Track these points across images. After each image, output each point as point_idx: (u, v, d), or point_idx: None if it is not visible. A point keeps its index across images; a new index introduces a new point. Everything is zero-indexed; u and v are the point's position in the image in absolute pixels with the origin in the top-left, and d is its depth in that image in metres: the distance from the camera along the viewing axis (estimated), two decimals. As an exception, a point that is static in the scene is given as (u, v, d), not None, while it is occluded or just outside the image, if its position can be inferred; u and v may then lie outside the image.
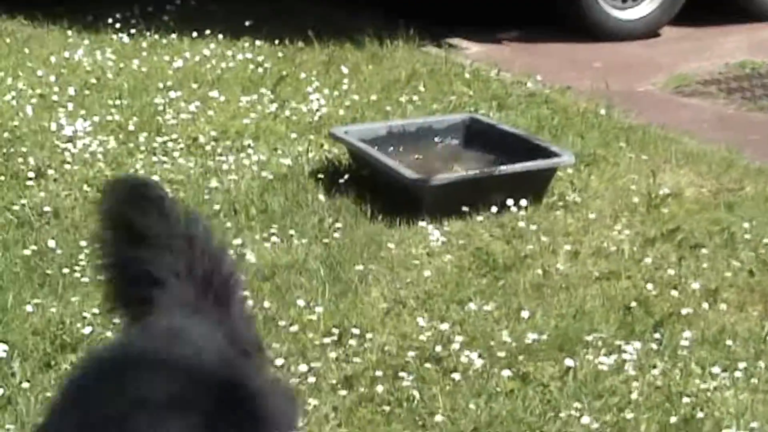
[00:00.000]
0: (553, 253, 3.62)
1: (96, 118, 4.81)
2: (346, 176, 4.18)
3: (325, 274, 3.40)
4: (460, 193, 3.93)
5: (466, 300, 3.24)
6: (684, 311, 3.24)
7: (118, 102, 5.12)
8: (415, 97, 5.30)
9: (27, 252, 3.46)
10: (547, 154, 4.15)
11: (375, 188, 4.05)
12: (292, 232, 3.75)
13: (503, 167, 4.04)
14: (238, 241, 3.57)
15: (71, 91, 5.26)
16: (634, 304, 3.25)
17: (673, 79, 6.05)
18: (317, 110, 5.12)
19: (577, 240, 3.76)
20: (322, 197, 4.05)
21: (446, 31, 6.56)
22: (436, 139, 4.51)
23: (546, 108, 5.17)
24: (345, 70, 5.74)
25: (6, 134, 4.57)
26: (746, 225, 3.85)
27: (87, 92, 5.32)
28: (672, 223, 3.89)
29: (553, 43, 6.60)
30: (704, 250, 3.67)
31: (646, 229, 3.88)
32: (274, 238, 3.71)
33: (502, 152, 4.25)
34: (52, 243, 3.50)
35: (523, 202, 3.90)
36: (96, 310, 3.01)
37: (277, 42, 6.26)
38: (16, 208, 3.81)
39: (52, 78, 5.49)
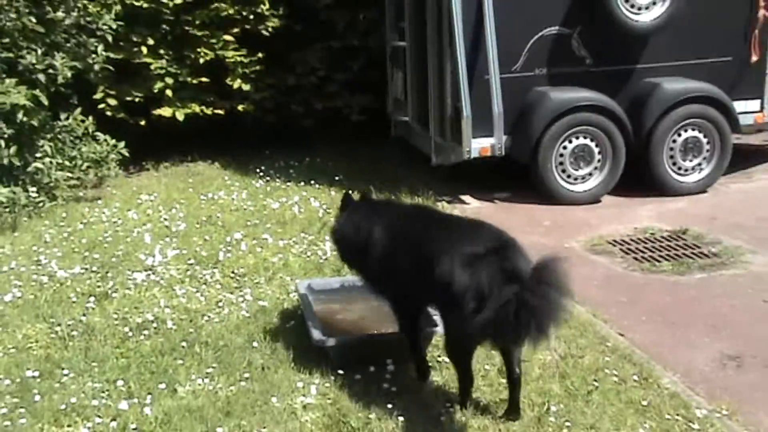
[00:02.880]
0: (397, 417, 4.53)
1: (176, 252, 7.23)
2: (292, 322, 5.70)
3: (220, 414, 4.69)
4: (350, 352, 5.02)
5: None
6: None
7: (207, 237, 7.55)
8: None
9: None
10: (428, 321, 5.08)
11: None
12: (222, 370, 5.11)
13: (386, 335, 5.20)
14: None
15: (182, 226, 7.80)
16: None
17: (592, 238, 7.60)
18: (330, 252, 7.11)
19: (425, 404, 4.72)
20: (259, 342, 5.42)
21: (465, 188, 8.89)
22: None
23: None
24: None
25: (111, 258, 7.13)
26: (557, 404, 4.67)
27: (197, 226, 7.85)
28: (506, 392, 4.67)
29: (526, 204, 8.67)
30: (517, 424, 4.50)
31: (484, 396, 4.81)
32: (203, 380, 5.00)
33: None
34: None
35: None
36: None
37: (351, 192, 8.58)
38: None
39: (181, 214, 8.14)
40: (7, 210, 8.25)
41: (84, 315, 6.03)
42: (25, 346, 5.61)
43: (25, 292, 6.48)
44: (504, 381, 4.85)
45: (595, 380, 4.97)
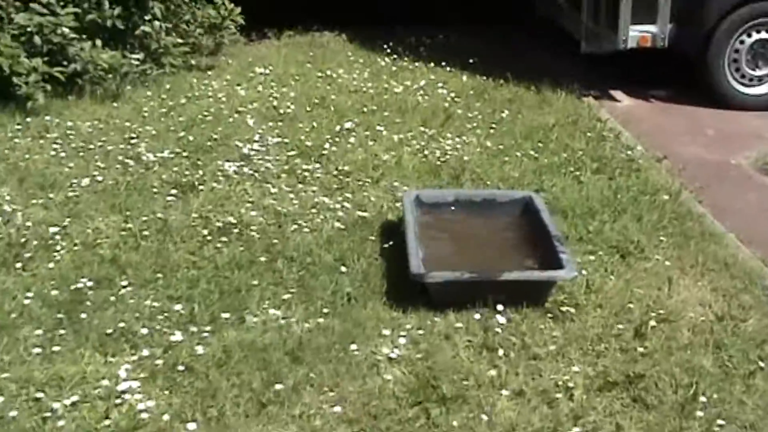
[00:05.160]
0: (500, 388, 3.63)
1: (278, 140, 6.40)
2: (391, 242, 4.81)
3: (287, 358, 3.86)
4: (455, 291, 4.13)
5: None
6: None
7: (315, 124, 6.68)
8: (531, 152, 6.25)
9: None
10: (554, 261, 4.26)
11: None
12: (301, 298, 4.33)
13: (501, 274, 4.17)
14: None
15: (291, 108, 6.96)
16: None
17: (765, 155, 6.51)
18: (451, 151, 6.25)
19: (536, 371, 3.75)
20: (351, 263, 4.62)
21: (616, 83, 7.79)
22: (495, 212, 4.90)
23: (635, 177, 5.81)
24: (505, 113, 6.80)
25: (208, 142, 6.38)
26: (708, 388, 3.65)
27: (307, 109, 6.99)
28: (643, 364, 3.82)
29: (687, 105, 7.54)
30: (654, 414, 3.54)
31: (613, 366, 3.81)
32: (276, 310, 4.22)
33: (529, 240, 4.67)
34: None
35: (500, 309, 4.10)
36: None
37: (485, 78, 7.52)
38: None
39: (293, 93, 7.30)
40: (110, 77, 7.58)
41: (164, 208, 5.36)
42: (93, 242, 4.96)
43: (106, 176, 5.82)
44: (639, 347, 3.95)
45: (761, 357, 3.91)
